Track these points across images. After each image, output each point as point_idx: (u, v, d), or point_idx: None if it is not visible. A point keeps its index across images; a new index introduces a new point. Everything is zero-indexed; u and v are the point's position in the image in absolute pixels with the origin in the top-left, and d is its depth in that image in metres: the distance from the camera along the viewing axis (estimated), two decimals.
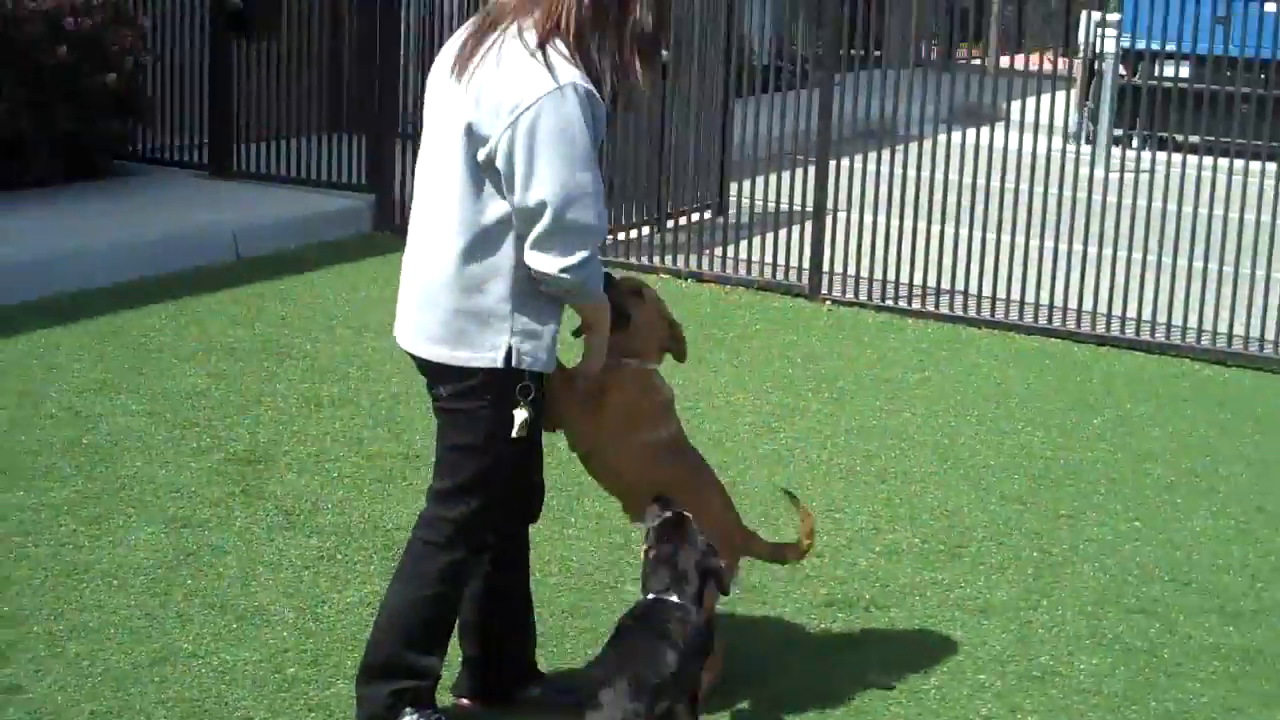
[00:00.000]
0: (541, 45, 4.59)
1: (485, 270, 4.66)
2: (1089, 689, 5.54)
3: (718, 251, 11.41)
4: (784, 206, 11.37)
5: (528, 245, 4.60)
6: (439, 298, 4.72)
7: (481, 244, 4.65)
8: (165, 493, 6.79)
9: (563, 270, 4.58)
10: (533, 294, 4.69)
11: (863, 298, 10.78)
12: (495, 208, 4.63)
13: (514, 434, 4.73)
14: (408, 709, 4.94)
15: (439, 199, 4.72)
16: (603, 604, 5.98)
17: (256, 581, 6.02)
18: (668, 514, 4.85)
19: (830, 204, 11.00)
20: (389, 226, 12.07)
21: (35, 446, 7.21)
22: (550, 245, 4.57)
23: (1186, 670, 5.71)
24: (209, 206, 11.71)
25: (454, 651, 5.18)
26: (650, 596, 4.76)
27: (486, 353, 4.70)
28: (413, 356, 4.88)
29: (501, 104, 4.56)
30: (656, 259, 11.44)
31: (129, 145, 12.91)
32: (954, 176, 10.78)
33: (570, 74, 4.56)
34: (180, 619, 5.69)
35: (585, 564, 6.33)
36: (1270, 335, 9.82)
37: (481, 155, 4.60)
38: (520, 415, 4.73)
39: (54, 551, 6.17)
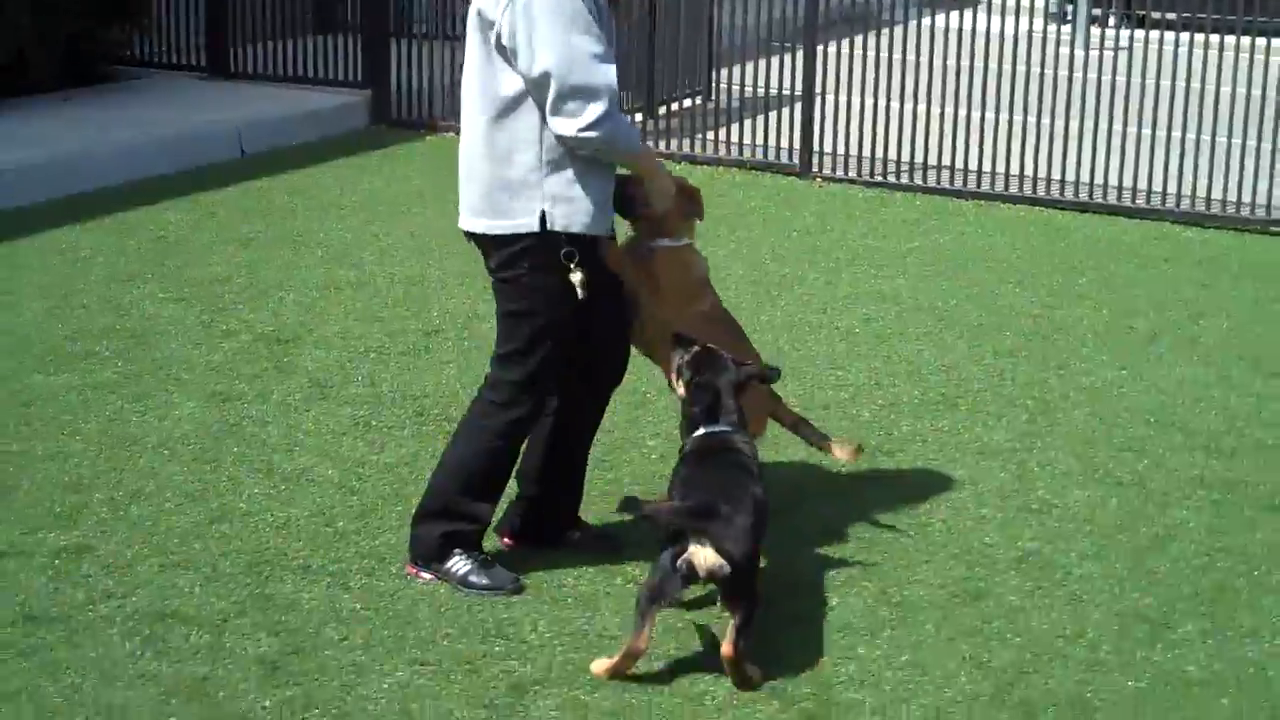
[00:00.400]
0: None
1: (511, 142, 5.05)
2: (1084, 518, 5.95)
3: (710, 135, 11.72)
4: (773, 91, 11.66)
5: (547, 114, 4.97)
6: (476, 172, 5.15)
7: (503, 118, 5.05)
8: (202, 371, 7.15)
9: (581, 130, 4.96)
10: (562, 161, 5.05)
11: (852, 174, 11.12)
12: (510, 83, 5.01)
13: (580, 294, 5.09)
14: (456, 550, 5.33)
15: (469, 83, 5.15)
16: (624, 459, 6.37)
17: (299, 447, 6.38)
18: (695, 348, 5.18)
19: (819, 87, 11.31)
20: (385, 120, 12.38)
21: (73, 333, 7.55)
22: (563, 109, 4.95)
23: (1173, 499, 6.12)
24: (211, 106, 11.99)
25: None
26: (702, 432, 5.07)
27: (521, 219, 5.08)
28: (467, 237, 5.26)
29: None
30: (650, 144, 11.74)
31: (128, 50, 13.12)
32: (938, 60, 11.08)
33: None
34: (232, 482, 6.06)
35: (606, 423, 6.63)
36: (1246, 198, 10.20)
37: (492, 37, 4.99)
38: (576, 278, 5.09)
39: (104, 427, 6.52)
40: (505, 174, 5.07)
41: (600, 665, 4.76)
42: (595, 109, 4.95)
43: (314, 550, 5.54)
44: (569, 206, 5.08)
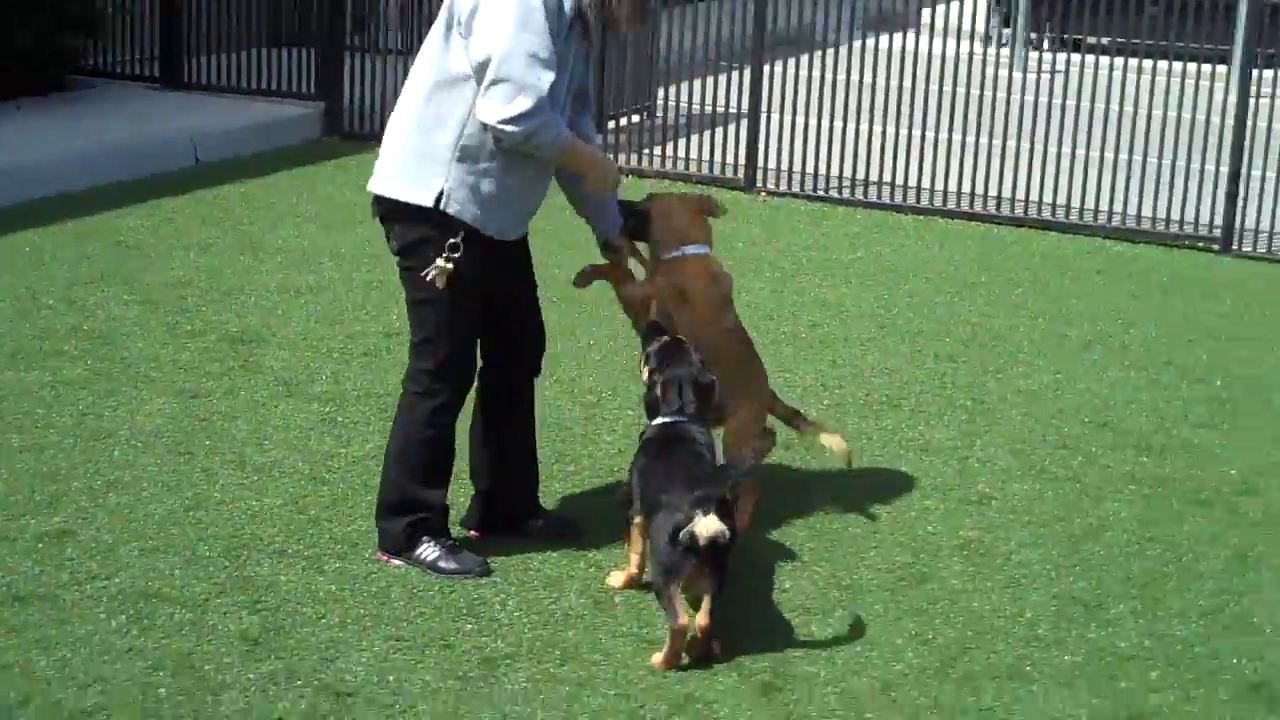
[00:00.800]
0: None
1: (437, 117, 5.25)
2: (1022, 510, 6.26)
3: (656, 150, 12.00)
4: (719, 109, 11.96)
5: (478, 96, 5.16)
6: (396, 138, 5.37)
7: (438, 94, 5.26)
8: (170, 369, 7.36)
9: (501, 121, 5.11)
10: (477, 152, 5.24)
11: (795, 189, 11.43)
12: (455, 63, 5.23)
13: (427, 277, 5.27)
14: (424, 538, 5.57)
15: (419, 60, 5.35)
16: (584, 453, 6.63)
17: (268, 441, 6.61)
18: (664, 339, 5.46)
19: (764, 105, 11.62)
20: (338, 132, 12.60)
21: (40, 333, 7.74)
22: (492, 95, 5.12)
23: (1106, 493, 6.44)
24: (167, 116, 12.17)
25: (464, 491, 5.83)
26: (662, 421, 5.35)
27: (420, 190, 5.27)
28: (374, 202, 5.45)
29: None
30: None
31: (82, 60, 13.28)
32: (880, 80, 11.42)
33: None
34: (205, 473, 6.28)
35: (564, 420, 6.96)
36: (1175, 215, 10.57)
37: (455, 15, 5.22)
38: (438, 263, 5.27)
39: (78, 421, 6.72)
40: (422, 142, 5.26)
41: (658, 659, 4.97)
42: (520, 104, 5.09)
43: (288, 536, 5.77)
44: (466, 194, 5.24)
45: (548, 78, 5.12)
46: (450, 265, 5.27)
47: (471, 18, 5.17)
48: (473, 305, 5.39)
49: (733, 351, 5.83)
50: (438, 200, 5.24)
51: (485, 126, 5.17)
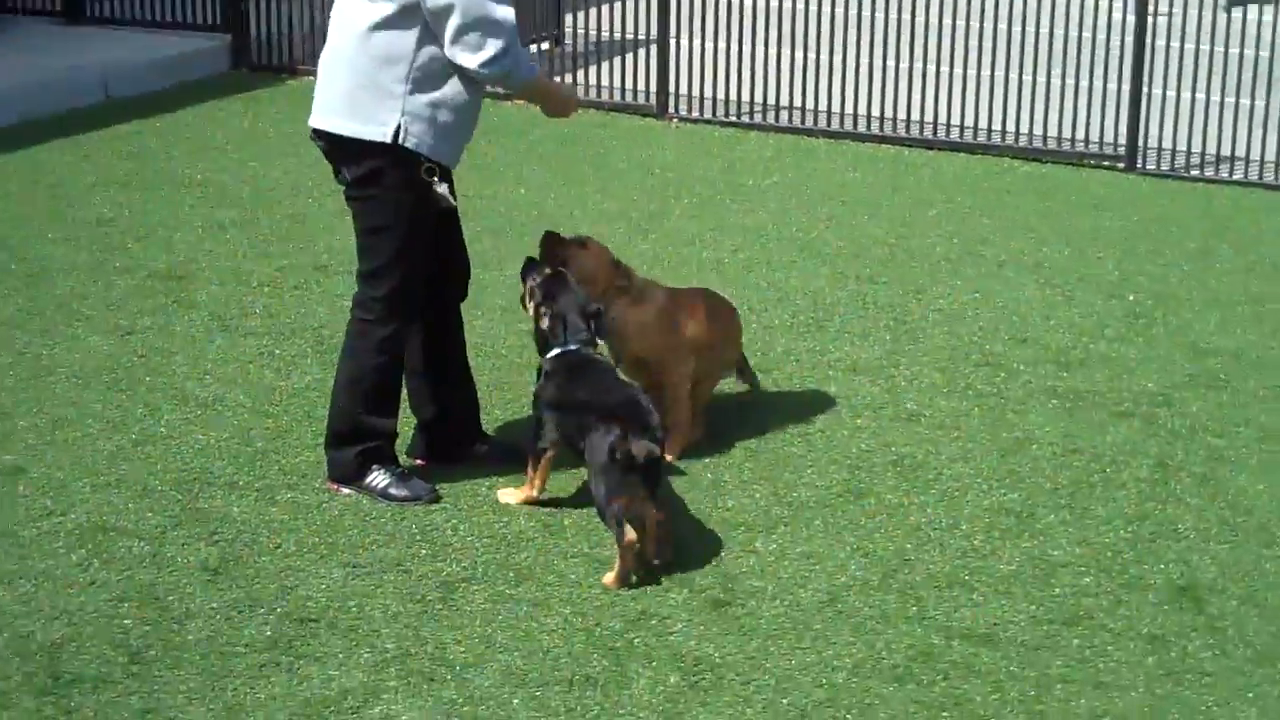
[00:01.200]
0: None
1: (386, 52, 5.37)
2: (949, 425, 6.46)
3: (566, 78, 12.05)
4: (628, 36, 12.04)
5: (446, 44, 5.32)
6: (342, 74, 5.46)
7: (382, 30, 5.37)
8: (102, 306, 7.39)
9: (482, 65, 5.32)
10: (427, 83, 5.38)
11: (707, 115, 11.54)
12: (403, 2, 5.31)
13: (442, 206, 5.45)
14: (374, 465, 5.69)
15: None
16: (519, 379, 6.75)
17: (209, 375, 6.68)
18: (545, 272, 5.61)
19: (673, 31, 11.71)
20: (246, 64, 12.53)
21: None
22: (464, 41, 5.30)
23: (1030, 407, 6.66)
24: (73, 52, 12.04)
25: (409, 422, 5.95)
26: (558, 351, 5.55)
27: (377, 127, 5.40)
28: (316, 137, 5.56)
29: None
30: None
31: None
32: (786, 4, 11.53)
33: None
34: (149, 409, 6.35)
35: (499, 348, 7.09)
36: (1081, 134, 10.79)
37: None
38: (443, 188, 5.45)
39: (15, 359, 6.76)
40: (374, 79, 5.38)
41: (610, 578, 5.15)
42: (495, 44, 5.30)
43: (238, 469, 5.87)
44: (424, 126, 5.40)
45: (511, 11, 5.31)
46: (446, 184, 5.42)
47: None
48: (426, 233, 5.52)
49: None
50: (396, 134, 5.35)
51: (451, 67, 5.35)
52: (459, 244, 5.88)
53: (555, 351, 5.57)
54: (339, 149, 5.49)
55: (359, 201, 5.54)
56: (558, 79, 11.74)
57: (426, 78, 5.36)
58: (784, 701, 4.60)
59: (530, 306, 5.70)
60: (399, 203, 5.45)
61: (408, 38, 5.33)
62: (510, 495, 5.64)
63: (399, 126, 5.36)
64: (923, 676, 4.74)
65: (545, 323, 5.59)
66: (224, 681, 4.60)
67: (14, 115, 10.62)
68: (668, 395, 6.01)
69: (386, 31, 5.34)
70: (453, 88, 5.40)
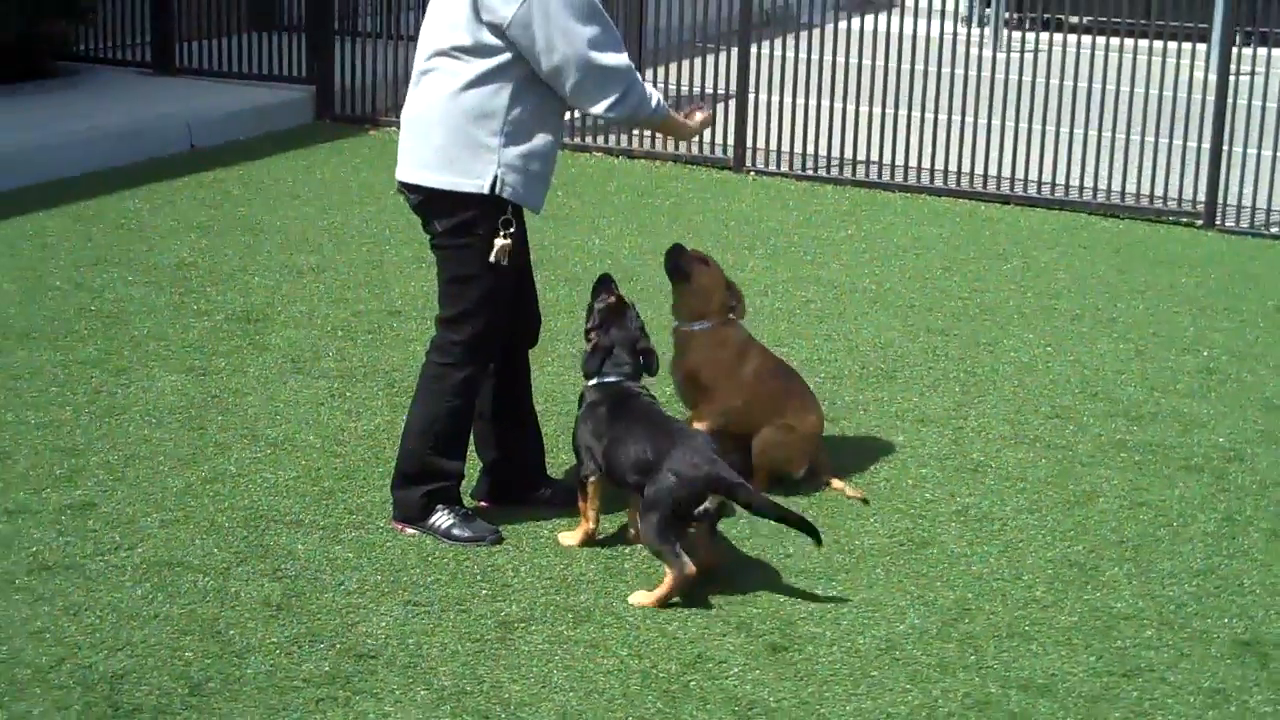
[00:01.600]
0: None
1: (480, 107, 5.47)
2: (1016, 476, 6.43)
3: (646, 131, 12.13)
4: (707, 89, 12.11)
5: (569, 96, 5.47)
6: (433, 129, 5.55)
7: (476, 87, 5.47)
8: (178, 348, 7.49)
9: (606, 111, 5.49)
10: (520, 135, 5.49)
11: (784, 169, 11.59)
12: (498, 62, 5.43)
13: (492, 259, 5.52)
14: (439, 506, 5.73)
15: (434, 45, 5.53)
16: None
17: (279, 416, 6.75)
18: (611, 299, 5.67)
19: (752, 86, 11.78)
20: (330, 115, 12.72)
21: (50, 314, 7.87)
22: (585, 94, 5.46)
23: (1098, 460, 6.62)
24: (160, 101, 12.29)
25: (473, 464, 5.99)
26: (601, 382, 5.61)
27: (474, 180, 5.51)
28: (406, 191, 5.67)
29: None
30: (589, 139, 12.19)
31: (73, 46, 13.38)
32: (866, 61, 11.58)
33: None
34: (219, 447, 6.42)
35: (567, 394, 7.11)
36: (1159, 191, 10.76)
37: (489, 19, 5.38)
38: (500, 243, 5.53)
39: (91, 398, 6.86)
40: (469, 134, 5.48)
41: (646, 598, 5.29)
42: (613, 92, 5.44)
43: (304, 507, 5.92)
44: (520, 177, 5.51)
45: (621, 59, 5.43)
46: (509, 240, 5.50)
47: (523, 21, 5.35)
48: (510, 280, 5.58)
49: (765, 389, 6.26)
50: (493, 186, 5.46)
51: (538, 119, 5.49)
52: (531, 293, 5.95)
53: (594, 381, 5.63)
54: (431, 201, 5.58)
55: (449, 250, 5.62)
56: (636, 132, 11.83)
57: (518, 130, 5.48)
58: None
59: (587, 330, 5.79)
60: (488, 251, 5.52)
61: (501, 93, 5.44)
62: (570, 537, 5.67)
63: (496, 178, 5.46)
64: None
65: (592, 350, 5.66)
66: (280, 715, 4.62)
67: (100, 162, 10.84)
68: (692, 417, 6.17)
69: (480, 88, 5.45)
70: (542, 139, 5.53)
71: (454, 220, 5.57)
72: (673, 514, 5.22)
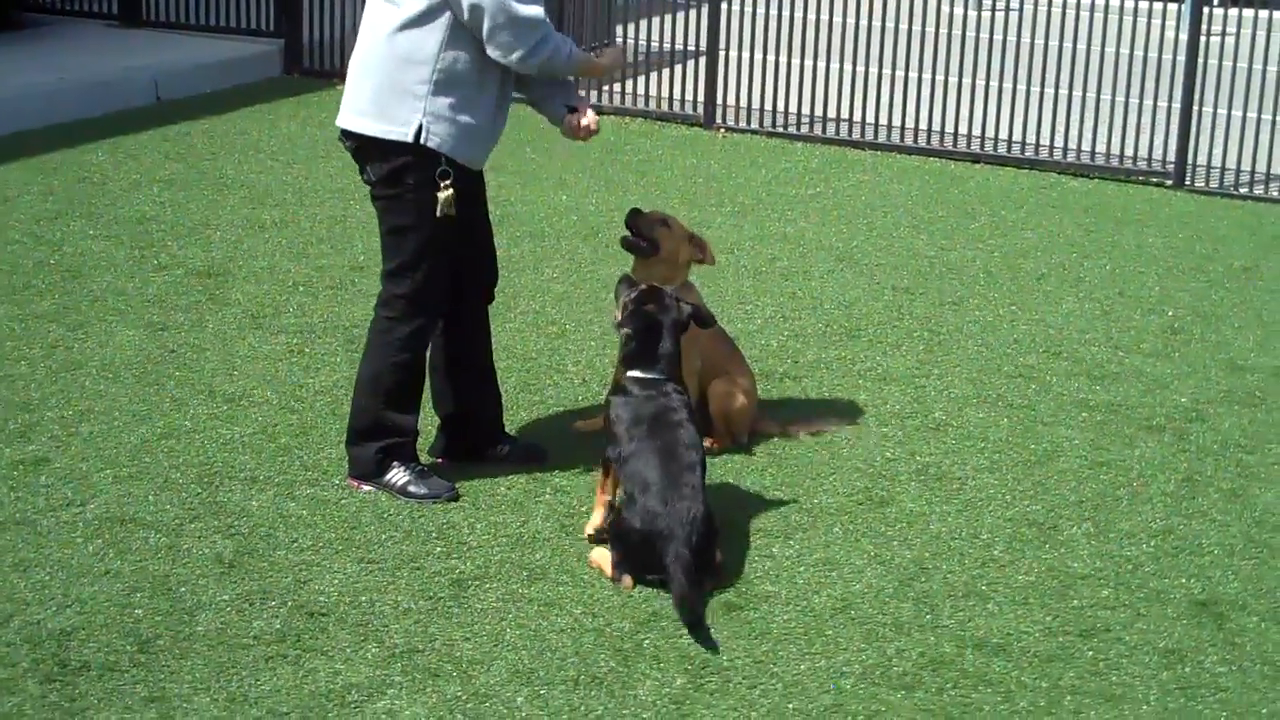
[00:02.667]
0: None
1: (409, 53, 5.41)
2: (976, 436, 6.41)
3: (616, 87, 12.06)
4: (678, 46, 12.03)
5: (485, 43, 5.35)
6: (367, 75, 5.51)
7: (407, 29, 5.41)
8: (138, 302, 7.43)
9: (519, 60, 5.39)
10: (450, 84, 5.41)
11: (754, 126, 11.53)
12: (427, 3, 5.36)
13: (438, 213, 5.46)
14: (395, 463, 5.69)
15: (381, 0, 5.47)
16: (548, 382, 6.74)
17: (237, 371, 6.70)
18: (640, 288, 5.53)
19: (722, 43, 11.70)
20: (299, 69, 12.61)
21: (8, 267, 7.80)
22: (499, 42, 5.37)
23: (1060, 420, 6.60)
24: (126, 53, 12.17)
25: (432, 420, 5.94)
26: (642, 376, 5.37)
27: (399, 126, 5.44)
28: (344, 137, 5.60)
29: None
30: None
31: None
32: (836, 18, 11.50)
33: None
34: (175, 403, 6.37)
35: (528, 351, 7.07)
36: (1129, 151, 10.72)
37: None
38: (442, 195, 5.46)
39: (47, 353, 6.80)
40: (397, 79, 5.43)
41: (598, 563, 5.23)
42: (526, 41, 5.35)
43: (259, 464, 5.88)
44: (445, 127, 5.42)
45: (537, 10, 5.35)
46: (451, 190, 5.40)
47: None
48: (449, 232, 5.52)
49: (715, 350, 6.19)
50: (417, 134, 5.38)
51: (475, 69, 5.39)
52: (488, 247, 5.89)
53: (638, 374, 5.41)
54: (364, 149, 5.52)
55: (383, 200, 5.56)
56: (605, 89, 11.76)
57: (449, 79, 5.39)
58: (790, 706, 4.56)
59: (619, 325, 5.51)
60: (421, 202, 5.47)
61: (431, 40, 5.36)
62: (592, 525, 5.43)
63: (420, 126, 5.39)
64: (932, 685, 4.68)
65: (632, 341, 5.42)
66: (230, 672, 4.59)
67: (65, 115, 10.73)
68: None
69: (410, 32, 5.38)
70: (476, 89, 5.43)
71: (385, 168, 5.52)
72: (623, 557, 5.13)
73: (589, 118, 5.69)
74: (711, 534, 5.13)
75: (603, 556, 5.20)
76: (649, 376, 5.40)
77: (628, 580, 5.12)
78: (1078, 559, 5.45)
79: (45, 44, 12.32)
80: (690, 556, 4.96)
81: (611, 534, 5.19)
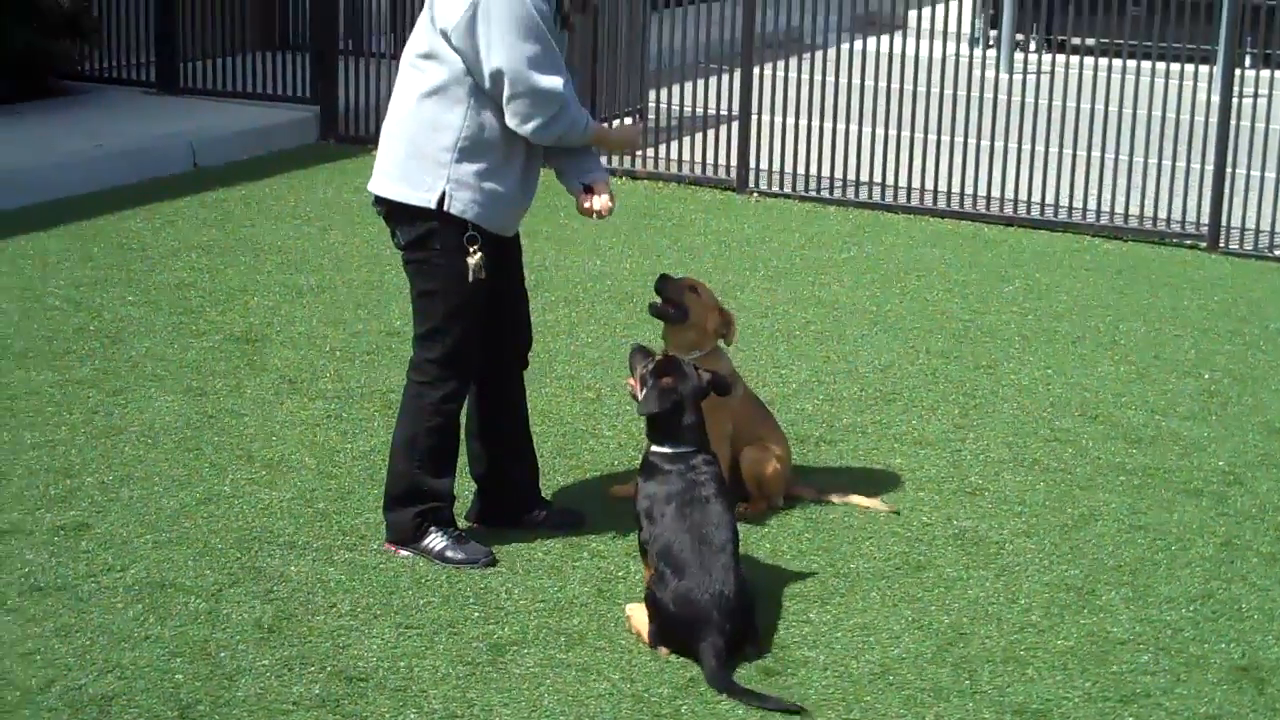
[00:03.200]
0: None
1: (435, 119, 5.47)
2: (1013, 500, 6.40)
3: (649, 152, 12.13)
4: (710, 111, 12.10)
5: (505, 111, 5.40)
6: (394, 141, 5.58)
7: (434, 97, 5.48)
8: (176, 368, 7.48)
9: (534, 132, 5.43)
10: (475, 152, 5.47)
11: (787, 190, 11.57)
12: (451, 71, 5.44)
13: (470, 278, 5.50)
14: (432, 527, 5.71)
15: (409, 58, 5.57)
16: (584, 447, 6.76)
17: (275, 437, 6.74)
18: (656, 358, 5.54)
19: (755, 107, 11.76)
20: (334, 135, 12.72)
21: (49, 333, 7.86)
22: (515, 110, 5.42)
23: (1097, 484, 6.59)
24: (164, 120, 12.29)
25: (468, 484, 5.97)
26: (671, 451, 5.35)
27: (423, 192, 5.50)
28: (376, 203, 5.67)
29: None
30: None
31: (79, 65, 13.39)
32: (869, 82, 11.56)
33: None
34: (215, 468, 6.40)
35: (564, 415, 7.10)
36: (1163, 213, 10.73)
37: (441, 27, 5.42)
38: (472, 261, 5.50)
39: (87, 418, 6.84)
40: (422, 145, 5.49)
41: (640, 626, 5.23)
42: (544, 113, 5.39)
43: (298, 529, 5.90)
44: (470, 194, 5.47)
45: (556, 81, 5.38)
46: (480, 255, 5.45)
47: (467, 29, 5.36)
48: (479, 297, 5.55)
49: (748, 416, 6.20)
50: (440, 201, 5.43)
51: (501, 137, 5.44)
52: (523, 311, 5.92)
53: (667, 450, 5.39)
54: (394, 213, 5.59)
55: (413, 265, 5.62)
56: (639, 154, 11.81)
57: (474, 146, 5.45)
58: None
59: (637, 389, 5.49)
60: (450, 266, 5.51)
61: (456, 106, 5.43)
62: (639, 619, 5.28)
63: (444, 193, 5.44)
64: None
65: (656, 413, 5.38)
66: None
67: (103, 182, 10.83)
68: None
69: (436, 99, 5.45)
70: (502, 157, 5.48)
71: (413, 233, 5.57)
72: (659, 628, 5.14)
73: (600, 201, 5.67)
74: (748, 606, 5.13)
75: (641, 619, 5.20)
76: (676, 451, 5.39)
77: (664, 650, 5.11)
78: (1117, 624, 5.43)
79: (83, 111, 12.45)
80: (724, 642, 4.97)
81: (648, 605, 5.19)
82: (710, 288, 6.31)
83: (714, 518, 5.22)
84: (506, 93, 5.37)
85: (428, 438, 5.70)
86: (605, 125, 5.75)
